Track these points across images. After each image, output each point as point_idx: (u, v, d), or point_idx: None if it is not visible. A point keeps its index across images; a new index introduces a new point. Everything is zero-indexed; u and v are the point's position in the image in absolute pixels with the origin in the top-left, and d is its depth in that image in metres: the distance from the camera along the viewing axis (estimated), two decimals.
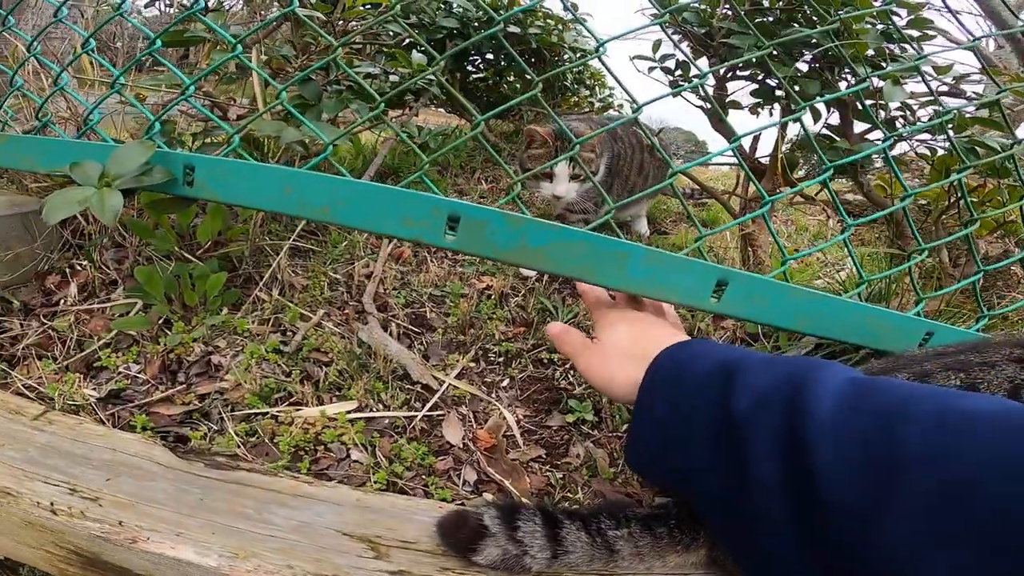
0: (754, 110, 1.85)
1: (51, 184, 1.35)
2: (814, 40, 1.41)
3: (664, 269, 1.05)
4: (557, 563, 0.83)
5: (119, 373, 1.19)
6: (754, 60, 1.51)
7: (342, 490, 1.01)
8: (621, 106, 2.98)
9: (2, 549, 0.93)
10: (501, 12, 2.19)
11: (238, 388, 1.19)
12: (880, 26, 1.45)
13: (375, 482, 1.09)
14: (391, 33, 1.68)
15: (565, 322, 1.59)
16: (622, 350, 0.86)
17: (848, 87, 1.54)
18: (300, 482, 0.99)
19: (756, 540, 0.60)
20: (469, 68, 2.57)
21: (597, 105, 2.87)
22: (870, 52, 1.41)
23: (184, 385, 1.19)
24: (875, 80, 1.43)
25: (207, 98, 1.24)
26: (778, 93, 1.72)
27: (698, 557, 0.89)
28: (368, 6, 1.58)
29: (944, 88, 1.61)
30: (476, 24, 2.18)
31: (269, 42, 1.37)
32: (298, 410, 1.18)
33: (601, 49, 0.94)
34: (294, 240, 1.56)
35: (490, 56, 2.57)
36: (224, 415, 1.13)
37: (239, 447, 1.08)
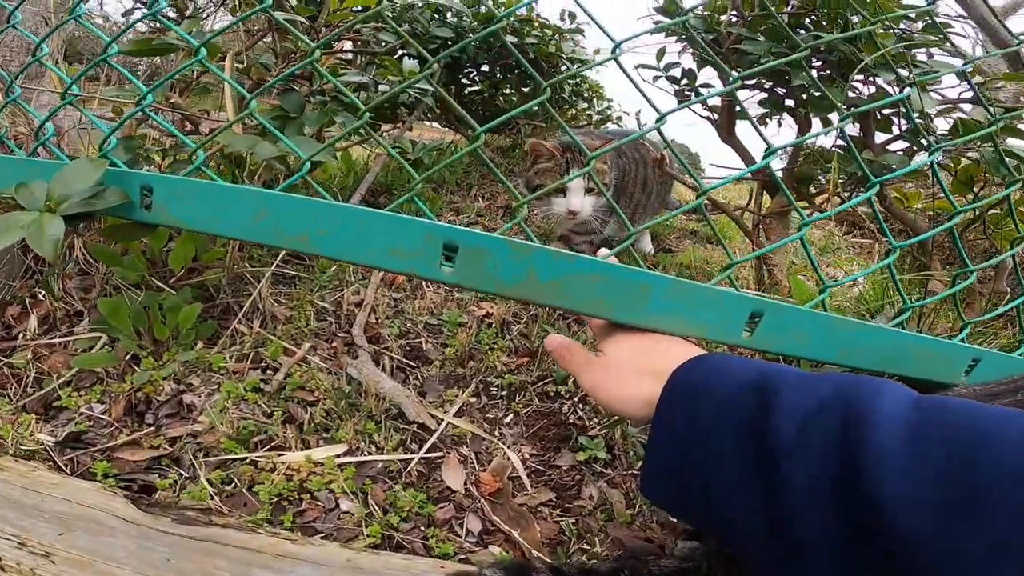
0: (762, 120, 1.77)
1: (11, 206, 1.24)
2: (825, 47, 1.33)
3: (691, 302, 0.94)
4: None
5: (80, 414, 1.08)
6: (769, 68, 1.43)
7: (330, 548, 0.90)
8: (620, 119, 2.90)
9: None
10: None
11: (213, 431, 1.08)
12: (897, 31, 1.39)
13: (368, 535, 0.98)
14: (383, 43, 1.59)
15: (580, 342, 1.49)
16: (633, 366, 0.79)
17: (869, 95, 1.46)
18: (282, 539, 0.89)
19: (793, 568, 0.53)
20: (464, 81, 2.50)
21: (596, 118, 2.80)
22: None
23: (152, 427, 1.08)
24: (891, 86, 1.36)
25: (176, 111, 1.14)
26: (788, 103, 1.65)
27: None
28: (359, 8, 1.50)
29: (967, 95, 1.54)
30: (471, 34, 2.11)
31: (251, 53, 1.28)
32: (280, 455, 1.08)
33: (618, 50, 0.85)
34: (277, 266, 1.46)
35: (485, 68, 2.50)
36: (196, 461, 1.03)
37: (212, 497, 0.97)
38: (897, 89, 1.34)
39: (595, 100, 2.79)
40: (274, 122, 1.17)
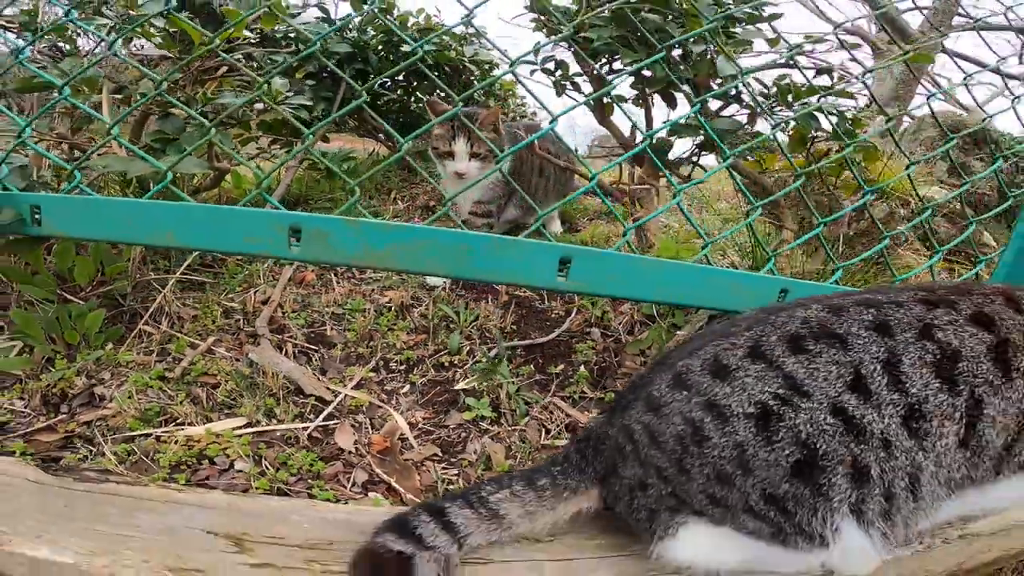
0: (637, 101, 2.00)
1: None
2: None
3: (505, 255, 1.16)
4: (466, 543, 0.91)
5: (3, 409, 1.27)
6: (605, 50, 1.65)
7: (214, 495, 1.09)
8: (535, 114, 3.14)
9: None
10: (395, 35, 2.34)
11: (120, 414, 1.27)
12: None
13: (256, 488, 1.17)
14: (274, 62, 1.80)
15: (466, 326, 1.70)
16: None
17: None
18: (170, 491, 1.08)
19: None
20: (380, 90, 2.71)
21: (510, 115, 3.02)
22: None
23: (67, 415, 1.28)
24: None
25: (60, 139, 1.35)
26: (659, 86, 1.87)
27: (589, 499, 0.98)
28: (258, 30, 1.71)
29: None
30: (371, 48, 2.33)
31: (133, 85, 1.48)
32: (182, 429, 1.27)
33: (515, 66, 1.08)
34: (186, 273, 1.66)
35: (400, 77, 2.72)
36: (104, 439, 1.22)
37: (117, 465, 1.16)
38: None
39: (508, 99, 3.02)
40: (157, 143, 1.38)
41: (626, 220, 1.63)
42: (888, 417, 0.78)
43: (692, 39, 1.57)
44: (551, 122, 1.38)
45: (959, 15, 5.60)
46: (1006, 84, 2.10)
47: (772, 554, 0.84)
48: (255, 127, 1.92)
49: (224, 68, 1.56)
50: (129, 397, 1.31)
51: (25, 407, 1.29)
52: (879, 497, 0.78)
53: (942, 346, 0.81)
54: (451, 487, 1.26)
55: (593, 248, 1.16)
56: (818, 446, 0.77)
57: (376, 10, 2.27)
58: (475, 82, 2.58)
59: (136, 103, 1.26)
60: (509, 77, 2.97)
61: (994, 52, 2.06)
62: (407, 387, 1.55)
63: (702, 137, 1.66)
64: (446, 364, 1.61)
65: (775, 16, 1.75)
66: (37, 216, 1.14)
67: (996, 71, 2.29)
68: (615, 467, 0.93)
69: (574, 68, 1.97)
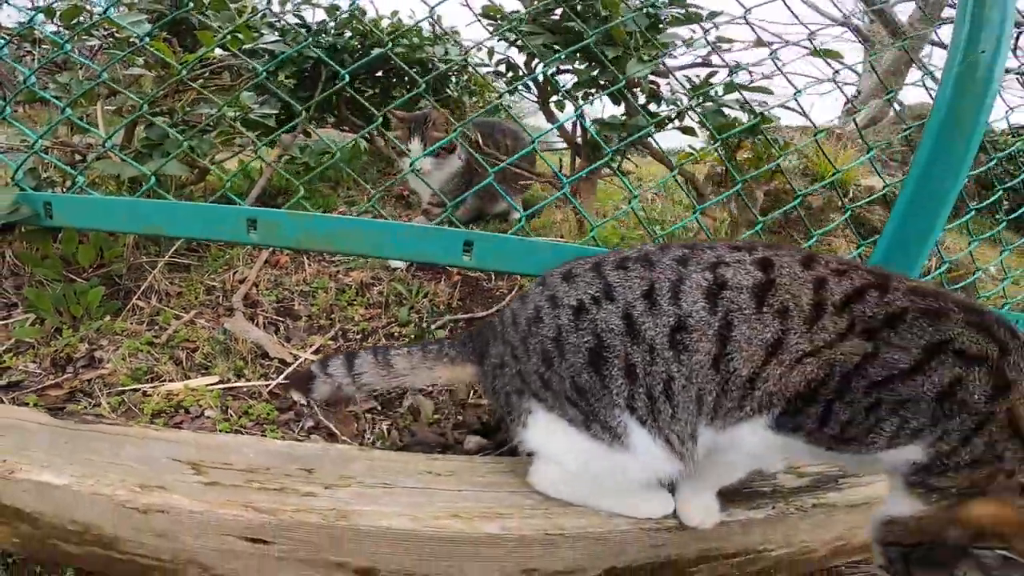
0: (584, 98, 2.24)
1: None
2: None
3: (419, 239, 1.44)
4: (358, 383, 1.29)
5: (18, 370, 1.56)
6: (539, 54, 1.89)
7: (183, 433, 1.38)
8: (509, 107, 3.37)
9: None
10: (368, 37, 2.59)
11: (115, 373, 1.56)
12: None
13: (219, 431, 1.45)
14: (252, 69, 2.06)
15: (414, 303, 1.96)
16: None
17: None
18: (149, 430, 1.36)
19: None
20: (360, 87, 2.96)
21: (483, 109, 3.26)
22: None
23: (71, 374, 1.57)
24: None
25: (65, 147, 1.63)
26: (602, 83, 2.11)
27: (464, 372, 1.29)
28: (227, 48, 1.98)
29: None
30: (346, 51, 2.58)
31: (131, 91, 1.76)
32: (164, 385, 1.56)
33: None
34: (174, 257, 1.95)
35: (379, 75, 2.98)
36: (101, 393, 1.51)
37: (110, 413, 1.45)
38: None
39: (485, 93, 3.25)
40: (145, 147, 1.66)
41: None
42: (660, 327, 0.98)
43: (608, 44, 1.80)
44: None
45: (949, 6, 5.71)
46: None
47: (592, 453, 1.07)
48: (240, 124, 2.19)
49: (200, 80, 1.83)
50: (123, 359, 1.60)
51: (37, 368, 1.58)
52: (644, 396, 0.99)
53: (718, 277, 0.99)
54: (384, 436, 1.54)
55: (491, 233, 1.43)
56: (605, 340, 1.01)
57: (351, 14, 2.52)
58: (450, 79, 2.84)
59: (125, 120, 1.54)
60: (481, 72, 3.23)
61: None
62: None
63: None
64: (395, 334, 1.87)
65: (699, 17, 1.98)
66: (49, 211, 1.45)
67: None
68: (488, 346, 1.21)
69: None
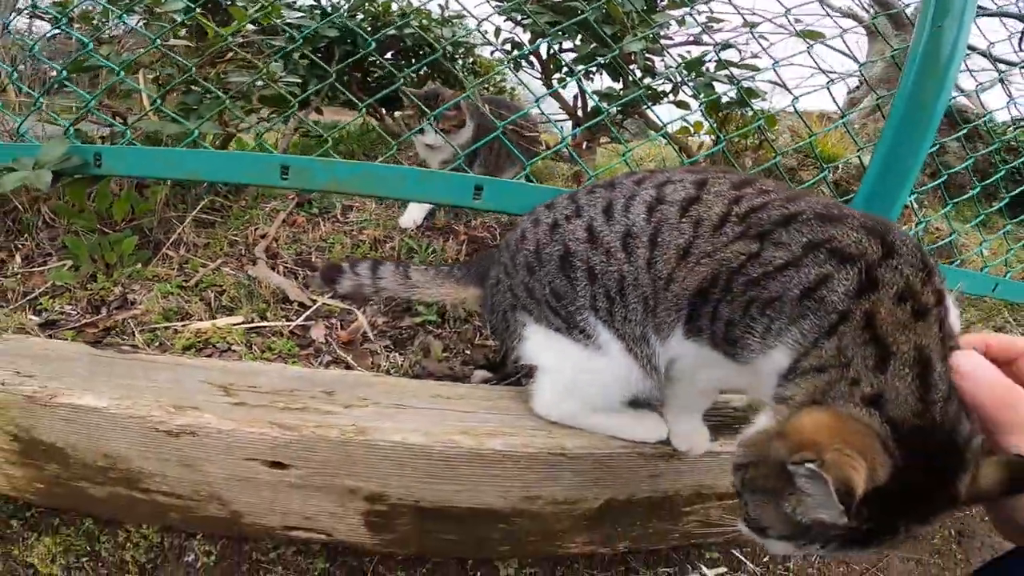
0: (586, 75, 2.36)
1: None
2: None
3: (434, 183, 1.56)
4: (377, 286, 1.46)
5: (55, 311, 1.68)
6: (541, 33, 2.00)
7: (212, 360, 1.50)
8: (514, 89, 3.49)
9: None
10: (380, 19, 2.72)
11: (147, 313, 1.68)
12: None
13: (244, 360, 1.57)
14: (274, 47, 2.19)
15: (426, 256, 2.07)
16: None
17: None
18: (182, 358, 1.48)
19: None
20: (372, 68, 3.08)
21: (492, 90, 3.38)
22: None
23: (105, 315, 1.69)
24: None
25: (109, 109, 1.78)
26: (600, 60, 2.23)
27: (468, 294, 1.44)
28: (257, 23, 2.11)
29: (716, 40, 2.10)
30: (360, 30, 2.71)
31: (160, 65, 1.89)
32: (193, 323, 1.67)
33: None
34: (200, 214, 2.07)
35: (388, 56, 3.10)
36: (135, 330, 1.62)
37: (144, 347, 1.56)
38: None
39: (489, 76, 3.38)
40: (180, 112, 1.79)
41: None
42: (613, 234, 1.08)
43: (607, 23, 1.92)
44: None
45: None
46: (995, 67, 2.40)
47: (575, 358, 1.17)
48: (256, 100, 2.32)
49: (231, 53, 1.96)
50: (155, 301, 1.72)
51: (73, 310, 1.70)
52: (603, 296, 1.10)
53: (659, 193, 1.08)
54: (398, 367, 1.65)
55: (498, 179, 1.54)
56: (572, 248, 1.13)
57: None
58: (457, 60, 2.96)
59: (170, 83, 1.69)
60: (487, 55, 3.36)
61: (985, 37, 2.37)
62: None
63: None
64: None
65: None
66: (99, 162, 1.58)
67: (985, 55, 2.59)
68: (488, 269, 1.35)
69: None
